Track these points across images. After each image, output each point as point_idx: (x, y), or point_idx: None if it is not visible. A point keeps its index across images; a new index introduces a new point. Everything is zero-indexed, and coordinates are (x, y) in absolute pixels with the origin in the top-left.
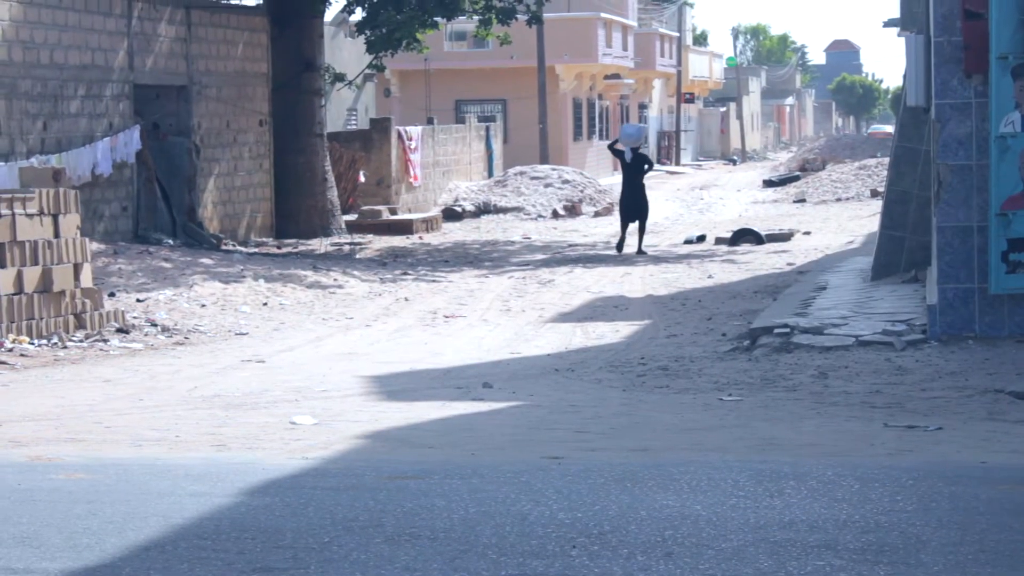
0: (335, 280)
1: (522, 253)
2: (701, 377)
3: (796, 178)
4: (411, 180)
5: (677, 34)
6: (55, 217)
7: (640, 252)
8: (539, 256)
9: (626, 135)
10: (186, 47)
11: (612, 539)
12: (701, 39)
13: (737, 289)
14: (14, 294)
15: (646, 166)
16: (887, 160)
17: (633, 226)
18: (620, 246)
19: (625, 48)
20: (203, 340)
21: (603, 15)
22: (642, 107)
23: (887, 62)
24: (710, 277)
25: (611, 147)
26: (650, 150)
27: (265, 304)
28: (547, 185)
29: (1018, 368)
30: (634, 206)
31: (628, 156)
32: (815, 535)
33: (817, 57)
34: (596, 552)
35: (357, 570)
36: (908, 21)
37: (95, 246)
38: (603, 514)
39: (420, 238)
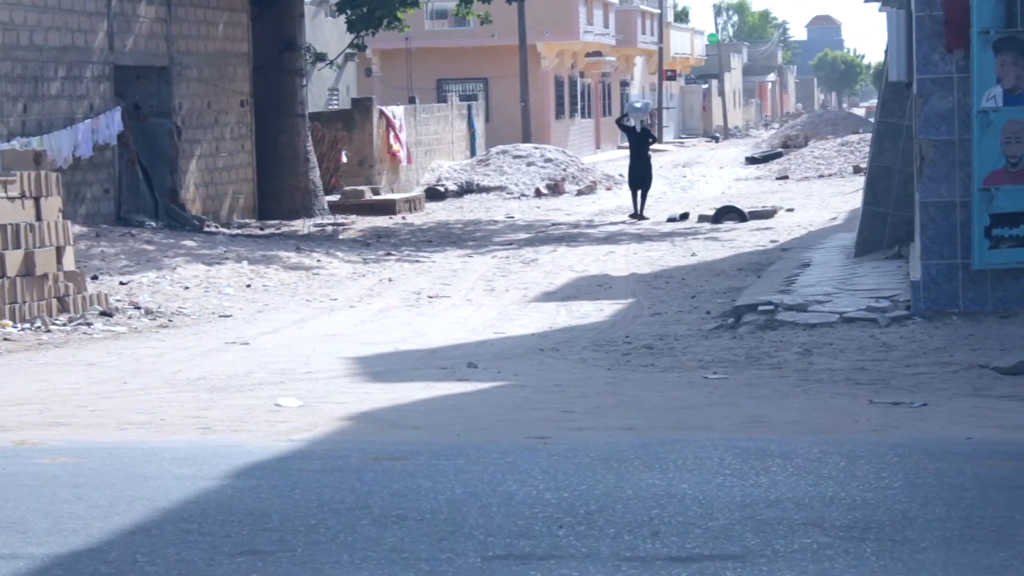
0: (318, 261)
1: (505, 232)
2: (686, 355)
3: (778, 155)
4: (402, 161)
5: (658, 11)
6: (37, 200)
7: (642, 216)
8: (522, 235)
9: (635, 110)
10: (166, 28)
11: (599, 518)
12: (682, 16)
13: (721, 267)
14: None
15: (650, 139)
16: (869, 136)
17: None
18: (634, 214)
19: (606, 25)
20: (187, 323)
21: None
22: (624, 84)
23: (869, 37)
24: (693, 255)
25: (618, 122)
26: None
27: (248, 286)
28: (529, 164)
29: (1002, 343)
30: (638, 176)
31: (638, 128)
32: (802, 513)
33: (799, 33)
34: (583, 532)
35: (344, 552)
36: None
37: (77, 229)
38: (590, 494)
39: (403, 218)
